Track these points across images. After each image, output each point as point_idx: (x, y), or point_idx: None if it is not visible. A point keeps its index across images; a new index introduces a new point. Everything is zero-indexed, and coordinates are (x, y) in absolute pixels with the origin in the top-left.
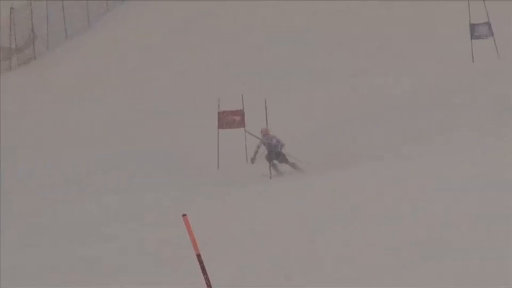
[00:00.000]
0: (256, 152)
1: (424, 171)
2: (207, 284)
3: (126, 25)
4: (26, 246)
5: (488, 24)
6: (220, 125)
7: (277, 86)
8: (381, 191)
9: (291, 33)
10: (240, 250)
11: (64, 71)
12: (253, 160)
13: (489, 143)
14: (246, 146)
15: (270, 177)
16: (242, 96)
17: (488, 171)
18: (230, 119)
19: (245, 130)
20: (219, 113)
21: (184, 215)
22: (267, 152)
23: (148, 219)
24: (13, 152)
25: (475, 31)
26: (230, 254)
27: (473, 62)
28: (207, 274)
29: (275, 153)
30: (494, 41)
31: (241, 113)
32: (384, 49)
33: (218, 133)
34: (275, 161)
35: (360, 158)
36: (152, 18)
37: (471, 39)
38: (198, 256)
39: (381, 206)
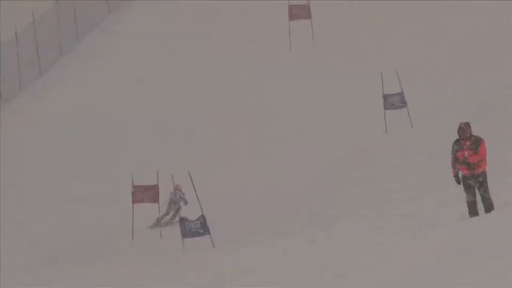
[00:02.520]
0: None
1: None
2: None
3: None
4: None
5: (401, 94)
6: (135, 200)
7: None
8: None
9: None
10: None
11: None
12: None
13: None
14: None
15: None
16: (157, 171)
17: None
18: (144, 194)
19: (159, 205)
20: (132, 189)
21: None
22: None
23: None
24: None
25: (387, 101)
26: None
27: (386, 132)
28: None
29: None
30: (408, 111)
31: (155, 188)
32: None
33: (133, 208)
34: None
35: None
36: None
37: (384, 109)
38: None
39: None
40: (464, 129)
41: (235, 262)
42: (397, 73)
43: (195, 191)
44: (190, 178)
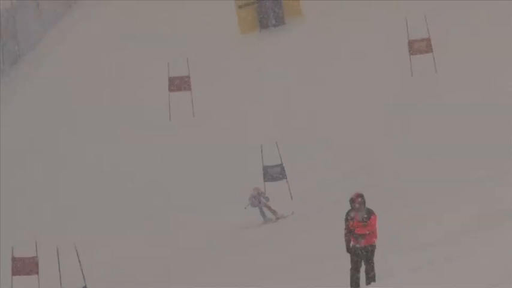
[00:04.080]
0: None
1: None
2: None
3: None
4: None
5: (281, 166)
6: (14, 271)
7: None
8: None
9: None
10: None
11: None
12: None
13: None
14: None
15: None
16: (36, 242)
17: None
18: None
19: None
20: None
21: None
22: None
23: None
24: None
25: (267, 173)
26: None
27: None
28: None
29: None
30: (287, 182)
31: (33, 260)
32: None
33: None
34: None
35: None
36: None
37: (264, 181)
38: None
39: None
40: (355, 201)
41: None
42: (276, 145)
43: (79, 262)
44: (76, 250)
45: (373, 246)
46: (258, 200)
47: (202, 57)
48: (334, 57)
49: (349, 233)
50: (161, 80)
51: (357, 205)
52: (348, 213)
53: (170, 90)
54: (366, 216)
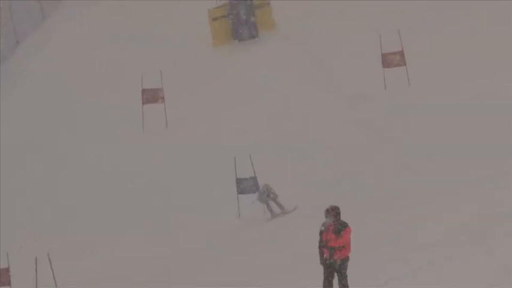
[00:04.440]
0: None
1: None
2: None
3: None
4: None
5: (254, 178)
6: None
7: None
8: None
9: None
10: None
11: None
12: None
13: None
14: None
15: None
16: (7, 253)
17: None
18: None
19: None
20: None
21: None
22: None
23: None
24: None
25: (240, 186)
26: None
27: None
28: None
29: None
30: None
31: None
32: None
33: None
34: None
35: None
36: None
37: (237, 193)
38: None
39: None
40: (329, 213)
41: None
42: (250, 157)
43: (52, 273)
44: (49, 260)
45: (347, 259)
46: (267, 194)
47: (176, 69)
48: (306, 69)
49: (323, 245)
50: (134, 92)
51: (331, 217)
52: (322, 225)
53: (143, 102)
54: (340, 228)
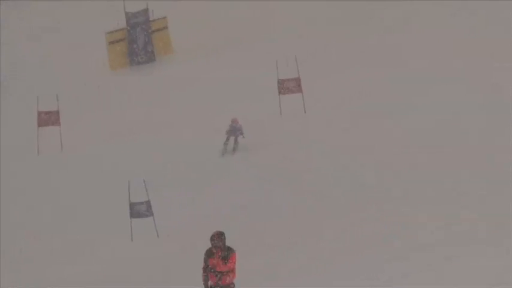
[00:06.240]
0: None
1: None
2: None
3: None
4: None
5: (148, 202)
6: None
7: None
8: None
9: None
10: None
11: None
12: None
13: None
14: None
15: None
16: None
17: None
18: None
19: None
20: None
21: None
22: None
23: None
24: None
25: (134, 209)
26: None
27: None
28: None
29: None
30: (154, 220)
31: None
32: None
33: None
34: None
35: None
36: None
37: (130, 217)
38: None
39: None
40: (216, 238)
41: None
42: (144, 182)
43: None
44: None
45: (232, 285)
46: (240, 132)
47: (72, 92)
48: (202, 94)
49: (209, 270)
50: (29, 115)
51: (218, 243)
52: (207, 251)
53: (39, 125)
54: (226, 254)
